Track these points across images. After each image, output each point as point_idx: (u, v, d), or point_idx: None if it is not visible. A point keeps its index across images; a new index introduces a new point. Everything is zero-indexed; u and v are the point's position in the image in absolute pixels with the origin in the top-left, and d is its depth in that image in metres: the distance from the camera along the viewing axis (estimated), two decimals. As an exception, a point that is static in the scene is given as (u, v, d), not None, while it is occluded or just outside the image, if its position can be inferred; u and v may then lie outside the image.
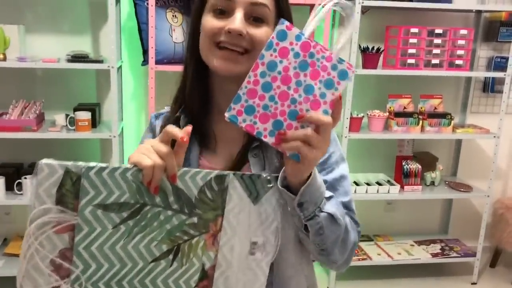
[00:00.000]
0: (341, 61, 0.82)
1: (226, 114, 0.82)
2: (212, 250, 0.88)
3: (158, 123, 1.10)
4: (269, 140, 0.82)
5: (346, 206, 1.05)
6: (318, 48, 0.81)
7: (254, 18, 0.94)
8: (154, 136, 1.09)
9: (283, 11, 0.98)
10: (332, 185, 1.02)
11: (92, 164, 0.84)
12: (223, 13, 0.95)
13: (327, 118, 0.80)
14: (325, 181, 0.99)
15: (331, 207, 0.92)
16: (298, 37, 0.81)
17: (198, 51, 0.99)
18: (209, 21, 0.96)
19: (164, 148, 0.82)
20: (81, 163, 0.84)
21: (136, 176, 0.83)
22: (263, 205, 0.88)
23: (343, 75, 0.82)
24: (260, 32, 0.94)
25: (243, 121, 0.82)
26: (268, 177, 0.88)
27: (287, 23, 0.81)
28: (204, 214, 0.87)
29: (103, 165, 0.84)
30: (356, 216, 1.09)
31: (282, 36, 0.80)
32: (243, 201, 0.87)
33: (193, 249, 0.87)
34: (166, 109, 1.11)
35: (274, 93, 0.81)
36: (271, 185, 0.88)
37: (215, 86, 1.03)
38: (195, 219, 0.86)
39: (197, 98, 1.02)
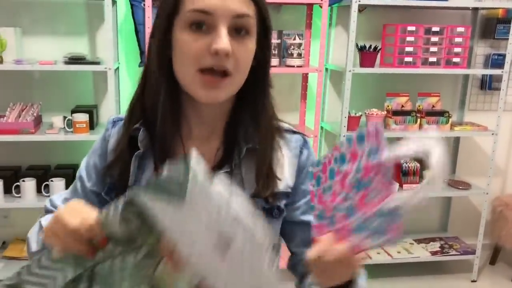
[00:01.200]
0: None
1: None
2: (180, 271, 0.71)
3: (114, 132, 0.99)
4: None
5: None
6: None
7: (236, 30, 0.85)
8: (105, 148, 0.99)
9: (264, 17, 0.90)
10: None
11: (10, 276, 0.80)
12: (201, 27, 0.84)
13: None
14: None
15: None
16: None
17: (171, 69, 0.89)
18: (188, 42, 0.84)
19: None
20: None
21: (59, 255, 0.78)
22: (195, 199, 0.65)
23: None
24: (244, 51, 0.86)
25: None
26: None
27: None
28: (147, 240, 0.75)
29: (19, 270, 0.80)
30: None
31: (362, 139, 0.74)
32: (168, 208, 0.66)
33: (164, 279, 0.75)
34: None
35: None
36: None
37: (189, 106, 0.94)
38: (144, 250, 0.76)
39: (169, 120, 0.91)
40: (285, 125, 1.02)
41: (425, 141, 0.70)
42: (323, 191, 0.75)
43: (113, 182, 0.96)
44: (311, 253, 0.72)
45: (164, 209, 0.67)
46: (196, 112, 0.94)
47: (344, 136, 2.90)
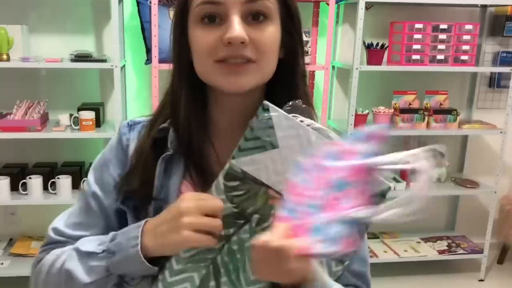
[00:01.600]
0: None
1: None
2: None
3: (133, 136, 0.92)
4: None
5: (361, 276, 0.91)
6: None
7: (253, 16, 0.78)
8: (123, 151, 0.91)
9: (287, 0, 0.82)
10: None
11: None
12: (213, 20, 0.78)
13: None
14: None
15: None
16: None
17: (191, 71, 0.84)
18: (200, 36, 0.79)
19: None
20: None
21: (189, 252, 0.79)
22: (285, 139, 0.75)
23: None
24: (264, 36, 0.79)
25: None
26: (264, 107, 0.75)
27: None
28: (256, 205, 0.77)
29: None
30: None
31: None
32: (266, 154, 0.75)
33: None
34: (143, 118, 0.94)
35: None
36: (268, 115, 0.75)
37: (214, 103, 0.87)
38: (255, 218, 0.78)
39: (194, 120, 0.85)
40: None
41: (418, 158, 0.68)
42: (301, 182, 0.71)
43: (133, 189, 0.86)
44: (258, 239, 0.68)
45: (262, 163, 0.75)
46: (222, 107, 0.87)
47: (350, 133, 2.88)
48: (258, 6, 0.78)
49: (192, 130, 0.85)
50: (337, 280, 0.83)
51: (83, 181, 2.79)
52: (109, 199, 0.89)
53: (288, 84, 0.86)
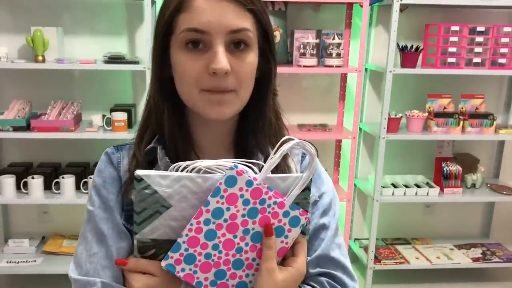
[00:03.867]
0: (293, 208, 0.76)
1: (163, 263, 0.76)
2: None
3: (123, 155, 0.94)
4: None
5: (337, 263, 0.92)
6: (270, 194, 0.74)
7: (235, 44, 0.82)
8: (116, 170, 0.93)
9: (264, 26, 0.86)
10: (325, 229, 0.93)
11: None
12: (197, 45, 0.82)
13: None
14: (324, 226, 0.92)
15: None
16: (249, 183, 0.74)
17: (172, 88, 0.88)
18: (185, 63, 0.83)
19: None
20: None
21: None
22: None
23: (295, 222, 0.76)
24: (244, 65, 0.83)
25: (181, 270, 0.77)
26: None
27: (239, 168, 0.74)
28: None
29: None
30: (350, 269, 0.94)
31: (231, 182, 0.74)
32: (163, 217, 0.79)
33: None
34: (127, 142, 0.98)
35: (219, 241, 0.76)
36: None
37: (196, 123, 0.92)
38: None
39: (179, 137, 0.89)
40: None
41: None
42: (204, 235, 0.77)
43: (130, 208, 0.85)
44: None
45: (164, 225, 0.77)
46: (203, 128, 0.91)
47: (384, 137, 2.84)
48: (240, 36, 0.82)
49: (179, 148, 0.89)
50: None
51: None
52: (117, 214, 0.90)
53: (261, 102, 0.91)
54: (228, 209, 0.75)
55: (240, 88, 0.84)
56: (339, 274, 0.91)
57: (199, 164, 0.76)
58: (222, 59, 0.80)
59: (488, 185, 3.20)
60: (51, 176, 2.84)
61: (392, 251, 3.18)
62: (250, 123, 0.91)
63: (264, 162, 0.86)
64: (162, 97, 0.89)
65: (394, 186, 3.09)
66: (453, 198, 3.07)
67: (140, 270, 0.80)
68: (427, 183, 3.13)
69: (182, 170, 0.77)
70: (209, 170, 0.77)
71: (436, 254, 3.17)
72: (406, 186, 3.07)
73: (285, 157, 0.91)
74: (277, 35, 2.74)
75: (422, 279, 3.17)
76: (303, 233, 0.81)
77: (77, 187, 2.82)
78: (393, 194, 3.00)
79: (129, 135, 2.75)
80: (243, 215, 0.75)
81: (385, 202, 2.98)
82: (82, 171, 2.89)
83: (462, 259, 3.14)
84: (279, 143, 0.76)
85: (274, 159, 0.75)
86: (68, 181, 2.78)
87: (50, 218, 3.15)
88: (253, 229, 0.76)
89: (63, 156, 3.03)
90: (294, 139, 0.76)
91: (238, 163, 0.76)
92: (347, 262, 0.93)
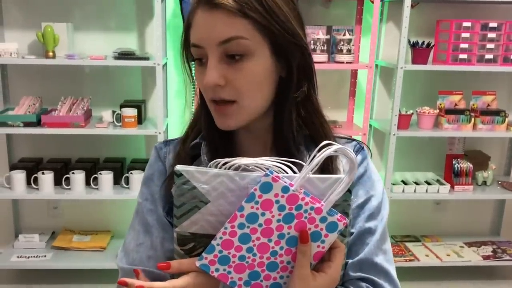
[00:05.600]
0: (331, 213, 0.74)
1: (197, 263, 0.77)
2: None
3: (170, 149, 0.98)
4: None
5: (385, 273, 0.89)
6: (307, 199, 0.73)
7: (231, 56, 0.81)
8: (164, 165, 0.97)
9: (267, 24, 0.80)
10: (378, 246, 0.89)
11: None
12: (200, 59, 0.84)
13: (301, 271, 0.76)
14: (370, 230, 0.89)
15: None
16: (285, 189, 0.72)
17: None
18: (197, 76, 0.86)
19: None
20: None
21: None
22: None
23: (332, 227, 0.74)
24: (241, 75, 0.81)
25: (215, 270, 0.77)
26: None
27: (274, 174, 0.72)
28: None
29: None
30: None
31: (266, 188, 0.72)
32: (201, 212, 0.80)
33: None
34: (177, 137, 1.01)
35: (253, 244, 0.75)
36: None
37: None
38: None
39: (217, 136, 0.91)
40: (341, 135, 0.98)
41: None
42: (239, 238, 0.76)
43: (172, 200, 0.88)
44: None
45: (203, 220, 0.78)
46: (239, 129, 0.91)
47: (394, 134, 2.83)
48: (233, 47, 0.80)
49: (218, 149, 0.91)
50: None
51: (124, 177, 2.83)
52: (160, 207, 0.94)
53: (283, 102, 0.87)
54: (263, 214, 0.74)
55: (241, 99, 0.82)
56: (380, 280, 0.88)
57: (238, 161, 0.75)
58: (209, 73, 0.81)
59: (499, 182, 3.18)
60: (61, 171, 2.85)
61: (402, 249, 3.17)
62: (281, 123, 0.89)
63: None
64: (202, 100, 0.90)
65: (404, 183, 3.07)
66: (464, 196, 3.05)
67: (184, 271, 0.79)
68: (438, 180, 3.11)
69: (221, 167, 0.77)
70: (247, 168, 0.76)
71: (446, 252, 3.16)
72: (416, 183, 3.06)
73: (332, 159, 0.88)
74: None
75: (431, 277, 3.16)
76: (342, 235, 0.79)
77: (87, 183, 2.83)
78: (403, 191, 2.99)
79: (139, 131, 2.76)
80: (278, 220, 0.74)
81: (395, 199, 2.97)
82: (92, 167, 2.90)
83: (473, 257, 3.12)
84: (318, 148, 0.73)
85: (311, 166, 0.72)
86: (78, 177, 2.79)
87: (60, 214, 3.17)
88: (288, 233, 0.75)
89: (73, 151, 3.04)
90: (334, 145, 0.72)
91: (277, 161, 0.75)
92: (391, 269, 0.90)
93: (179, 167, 0.77)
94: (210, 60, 0.81)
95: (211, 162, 0.78)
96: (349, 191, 0.75)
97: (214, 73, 0.80)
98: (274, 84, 0.85)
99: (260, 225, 0.74)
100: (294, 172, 0.75)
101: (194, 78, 0.92)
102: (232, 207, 0.76)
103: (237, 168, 0.76)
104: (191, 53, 0.86)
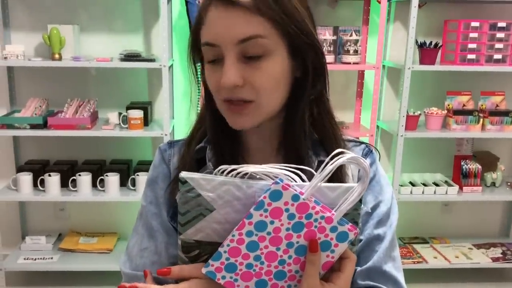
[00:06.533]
0: (342, 222, 0.72)
1: (203, 270, 0.75)
2: None
3: (174, 152, 0.96)
4: None
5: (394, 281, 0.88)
6: (317, 208, 0.71)
7: (249, 56, 0.78)
8: (168, 168, 0.95)
9: (285, 24, 0.79)
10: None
11: None
12: (216, 59, 0.81)
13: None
14: (379, 237, 0.87)
15: None
16: (295, 198, 0.71)
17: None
18: (209, 75, 0.83)
19: None
20: None
21: None
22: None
23: (343, 237, 0.73)
24: (260, 75, 0.79)
25: (222, 277, 0.76)
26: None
27: (283, 182, 0.71)
28: None
29: None
30: None
31: (276, 196, 0.70)
32: (206, 219, 0.79)
33: None
34: (182, 138, 0.99)
35: (261, 253, 0.74)
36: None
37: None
38: None
39: (223, 140, 0.89)
40: (349, 137, 0.96)
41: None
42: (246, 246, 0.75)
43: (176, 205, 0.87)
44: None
45: (208, 228, 0.76)
46: (247, 131, 0.89)
47: (402, 135, 2.80)
48: (250, 46, 0.78)
49: (224, 151, 0.89)
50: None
51: (131, 179, 2.82)
52: (164, 211, 0.92)
53: (297, 104, 0.85)
54: (272, 222, 0.72)
55: (259, 99, 0.80)
56: None
57: (245, 169, 0.74)
58: (228, 73, 0.78)
59: (509, 183, 3.14)
60: (67, 173, 2.85)
61: (410, 250, 3.14)
62: (294, 124, 0.86)
63: (317, 167, 0.83)
64: (207, 101, 0.89)
65: (412, 184, 3.05)
66: (473, 197, 3.02)
67: (185, 277, 0.78)
68: (446, 182, 3.08)
69: (227, 174, 0.75)
70: (255, 175, 0.74)
71: (455, 254, 3.13)
72: (425, 185, 3.03)
73: (341, 166, 0.85)
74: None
75: (440, 279, 3.13)
76: (352, 244, 0.78)
77: (94, 185, 2.82)
78: (411, 192, 2.96)
79: (145, 133, 2.76)
80: (287, 229, 0.72)
81: (403, 200, 2.95)
82: (98, 169, 2.90)
83: (482, 259, 3.09)
84: (330, 156, 0.70)
85: (323, 175, 0.70)
86: (84, 179, 2.78)
87: (66, 216, 3.17)
88: (297, 242, 0.73)
89: (79, 153, 3.04)
90: (347, 153, 0.69)
91: (286, 168, 0.73)
92: (399, 276, 0.88)
93: (184, 174, 0.75)
94: (228, 59, 0.78)
95: (216, 170, 0.76)
96: (359, 200, 0.74)
97: (233, 73, 0.78)
98: (289, 84, 0.84)
99: (268, 233, 0.73)
100: (303, 180, 0.74)
101: (199, 78, 0.91)
102: (238, 215, 0.74)
103: (244, 175, 0.75)
104: (201, 52, 0.83)
